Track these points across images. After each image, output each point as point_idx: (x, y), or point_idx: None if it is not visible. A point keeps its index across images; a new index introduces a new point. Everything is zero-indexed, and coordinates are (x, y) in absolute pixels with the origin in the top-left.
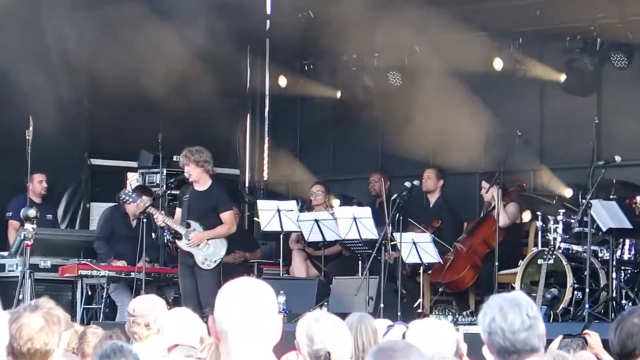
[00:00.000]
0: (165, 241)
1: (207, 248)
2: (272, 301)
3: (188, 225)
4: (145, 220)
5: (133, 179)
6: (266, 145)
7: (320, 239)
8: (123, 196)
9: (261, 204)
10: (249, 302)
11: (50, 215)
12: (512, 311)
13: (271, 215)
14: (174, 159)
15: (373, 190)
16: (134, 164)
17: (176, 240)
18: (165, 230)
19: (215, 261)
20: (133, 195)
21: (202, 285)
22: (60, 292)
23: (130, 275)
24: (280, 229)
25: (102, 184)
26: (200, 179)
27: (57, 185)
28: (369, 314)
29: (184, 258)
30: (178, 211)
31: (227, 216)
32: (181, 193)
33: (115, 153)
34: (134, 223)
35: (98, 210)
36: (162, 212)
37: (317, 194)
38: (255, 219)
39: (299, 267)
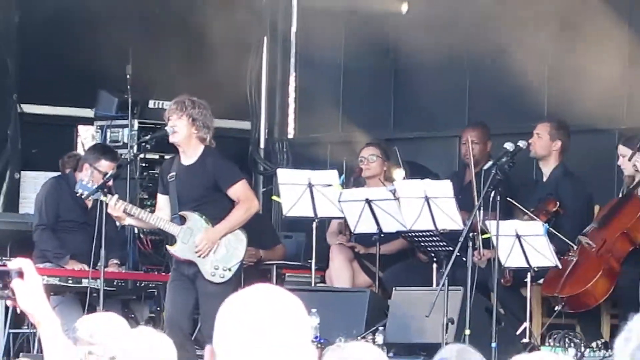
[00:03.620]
0: (136, 232)
1: (216, 251)
2: (301, 324)
3: (182, 221)
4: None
5: (88, 136)
6: (292, 87)
7: (374, 229)
8: (80, 190)
9: (284, 174)
10: (264, 325)
11: None
12: None
13: (299, 192)
14: (151, 105)
15: (468, 156)
16: (89, 113)
17: (167, 247)
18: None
19: (230, 269)
20: (89, 186)
21: (208, 307)
22: None
23: (80, 284)
24: (312, 214)
25: (40, 142)
26: (188, 145)
27: None
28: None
29: (180, 266)
30: (161, 200)
31: (239, 190)
32: (163, 171)
33: (58, 96)
34: (89, 203)
35: (33, 182)
36: (120, 199)
37: (369, 161)
38: (275, 198)
39: (341, 272)
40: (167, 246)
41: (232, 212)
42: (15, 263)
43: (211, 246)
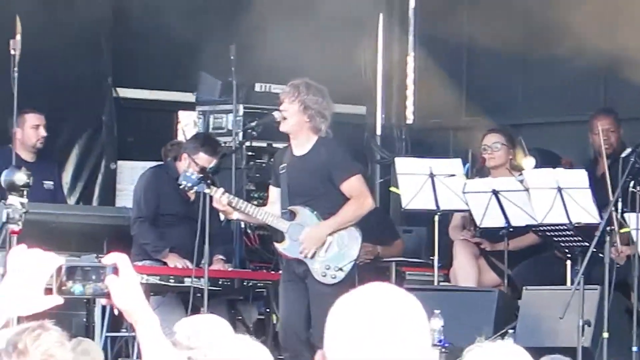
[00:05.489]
0: (243, 227)
1: (328, 249)
2: (422, 326)
3: (292, 216)
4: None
5: (189, 122)
6: (411, 67)
7: (501, 223)
8: (184, 182)
9: (402, 164)
10: (381, 327)
11: (51, 182)
12: None
13: (419, 183)
14: (257, 88)
15: (606, 145)
16: (190, 97)
17: (275, 245)
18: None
19: (342, 269)
20: (194, 178)
21: (319, 310)
22: (70, 310)
23: (183, 283)
24: (434, 207)
25: (137, 129)
26: (299, 133)
27: (62, 132)
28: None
29: (290, 264)
30: (273, 192)
31: (353, 185)
32: (275, 162)
33: (157, 79)
34: (192, 195)
35: (130, 173)
36: (228, 194)
37: (494, 149)
38: (393, 189)
39: (467, 270)
40: (275, 243)
41: (343, 208)
42: (109, 258)
43: (316, 245)
